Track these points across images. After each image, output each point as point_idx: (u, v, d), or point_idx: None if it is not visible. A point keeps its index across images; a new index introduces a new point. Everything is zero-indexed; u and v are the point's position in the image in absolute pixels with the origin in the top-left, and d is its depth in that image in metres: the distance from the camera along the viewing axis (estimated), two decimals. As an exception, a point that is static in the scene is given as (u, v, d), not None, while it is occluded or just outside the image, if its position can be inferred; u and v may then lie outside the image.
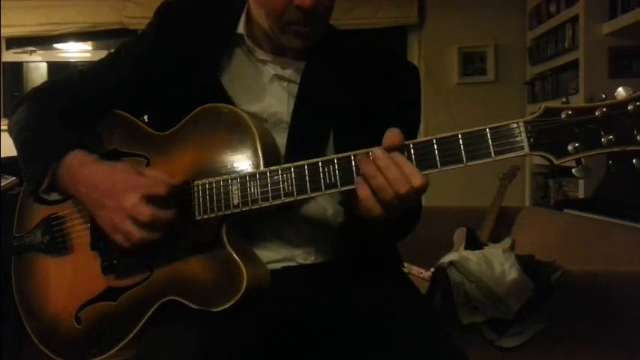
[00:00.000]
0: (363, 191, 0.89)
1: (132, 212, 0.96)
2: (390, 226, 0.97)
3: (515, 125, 0.86)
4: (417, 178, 0.87)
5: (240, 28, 1.11)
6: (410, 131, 1.14)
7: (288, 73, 1.11)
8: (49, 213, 1.14)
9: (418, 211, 1.15)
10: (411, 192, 0.87)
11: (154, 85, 1.11)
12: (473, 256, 1.79)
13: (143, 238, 0.97)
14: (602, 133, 0.82)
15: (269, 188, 0.95)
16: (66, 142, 1.07)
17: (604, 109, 0.82)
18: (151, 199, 0.96)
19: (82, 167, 1.03)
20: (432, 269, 1.94)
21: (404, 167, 0.87)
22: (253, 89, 1.11)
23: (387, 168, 0.87)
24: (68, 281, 1.11)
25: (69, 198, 1.10)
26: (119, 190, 0.98)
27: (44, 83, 1.23)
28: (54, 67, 4.38)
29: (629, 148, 0.82)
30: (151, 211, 0.95)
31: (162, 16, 1.15)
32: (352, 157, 0.91)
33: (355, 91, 1.10)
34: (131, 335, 1.03)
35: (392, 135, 0.90)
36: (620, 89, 0.83)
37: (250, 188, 0.96)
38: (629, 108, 0.82)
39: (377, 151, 0.89)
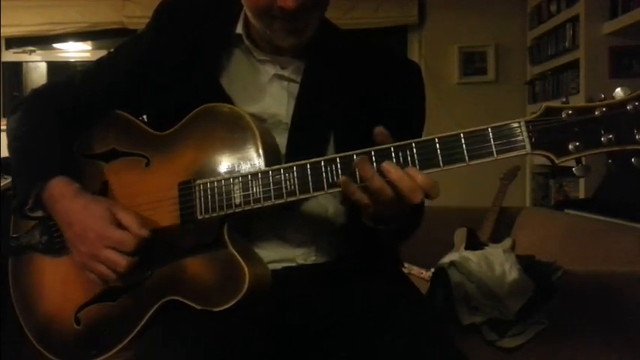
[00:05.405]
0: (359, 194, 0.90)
1: (107, 262, 0.98)
2: (392, 225, 0.97)
3: (516, 125, 0.86)
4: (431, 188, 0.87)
5: (239, 29, 1.10)
6: (413, 130, 1.13)
7: (288, 72, 1.10)
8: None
9: (421, 210, 1.14)
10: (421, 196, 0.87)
11: (152, 85, 1.11)
12: (473, 257, 1.78)
13: (117, 278, 1.00)
14: (602, 133, 0.83)
15: (271, 187, 0.95)
16: (52, 163, 1.08)
17: (603, 109, 0.84)
18: None
19: (61, 199, 1.04)
20: (433, 269, 1.94)
21: (416, 178, 0.87)
22: (252, 89, 1.10)
23: (400, 180, 0.87)
24: (67, 282, 1.11)
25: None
26: (90, 239, 0.99)
27: (43, 86, 1.23)
28: (53, 67, 4.36)
29: (628, 147, 0.83)
30: (125, 261, 0.98)
31: (160, 16, 1.15)
32: (354, 157, 0.91)
33: (356, 90, 1.10)
34: (131, 336, 1.02)
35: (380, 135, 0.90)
36: (619, 89, 0.85)
37: (252, 188, 0.96)
38: (628, 107, 0.83)
39: (388, 165, 0.88)
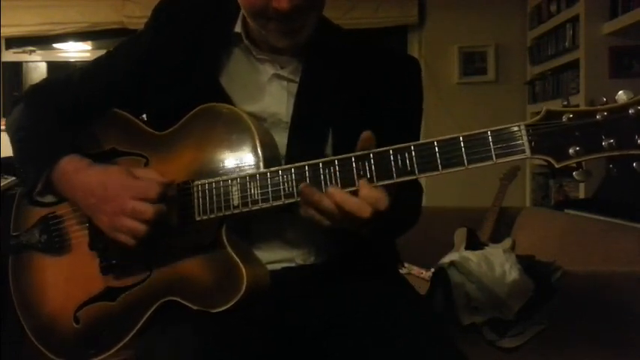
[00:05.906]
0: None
1: (134, 214, 0.96)
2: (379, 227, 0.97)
3: (516, 128, 0.85)
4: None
5: (238, 27, 1.10)
6: (412, 128, 1.13)
7: (287, 72, 1.10)
8: (46, 212, 1.14)
9: (416, 210, 1.14)
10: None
11: (152, 85, 1.11)
12: (473, 257, 1.78)
13: (148, 231, 0.97)
14: (604, 137, 0.82)
15: (269, 189, 0.95)
16: (59, 146, 1.07)
17: (605, 113, 0.82)
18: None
19: (77, 173, 1.03)
20: (433, 269, 1.94)
21: (361, 193, 0.88)
22: (252, 89, 1.10)
23: (343, 202, 0.88)
24: (66, 281, 1.11)
25: (64, 200, 1.10)
26: (113, 195, 0.98)
27: (42, 81, 1.23)
28: (53, 67, 4.36)
29: (630, 152, 0.82)
30: (152, 208, 0.96)
31: (159, 15, 1.15)
32: (353, 159, 0.91)
33: (355, 90, 1.09)
34: (130, 336, 1.02)
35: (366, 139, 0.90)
36: (621, 93, 0.83)
37: (250, 189, 0.96)
38: (630, 112, 0.81)
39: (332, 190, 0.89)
